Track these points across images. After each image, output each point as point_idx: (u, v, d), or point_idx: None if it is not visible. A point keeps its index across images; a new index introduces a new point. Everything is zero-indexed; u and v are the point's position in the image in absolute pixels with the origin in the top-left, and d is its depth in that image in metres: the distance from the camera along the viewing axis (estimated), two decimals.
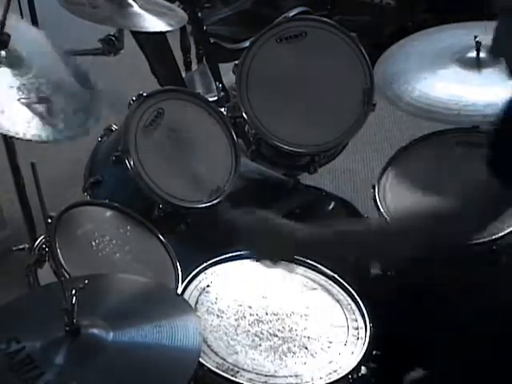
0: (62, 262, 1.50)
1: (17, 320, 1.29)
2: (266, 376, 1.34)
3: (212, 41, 2.87)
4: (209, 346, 1.38)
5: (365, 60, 1.96)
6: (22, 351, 1.20)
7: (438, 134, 1.98)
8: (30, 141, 1.49)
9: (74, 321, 1.19)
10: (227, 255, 1.60)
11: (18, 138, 1.50)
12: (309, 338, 1.43)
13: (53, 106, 1.57)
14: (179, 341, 1.22)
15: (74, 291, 1.19)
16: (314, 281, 1.57)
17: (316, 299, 1.52)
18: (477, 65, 1.92)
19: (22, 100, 1.53)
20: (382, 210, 1.84)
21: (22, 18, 3.43)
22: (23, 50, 1.65)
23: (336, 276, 1.57)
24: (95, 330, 1.21)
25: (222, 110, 1.96)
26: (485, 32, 1.88)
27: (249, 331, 1.43)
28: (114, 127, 1.91)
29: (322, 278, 1.58)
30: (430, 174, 1.91)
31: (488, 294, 1.43)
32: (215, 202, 1.79)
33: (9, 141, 1.81)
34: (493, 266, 1.65)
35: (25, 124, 1.50)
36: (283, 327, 1.44)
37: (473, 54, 1.93)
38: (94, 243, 1.60)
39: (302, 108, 1.97)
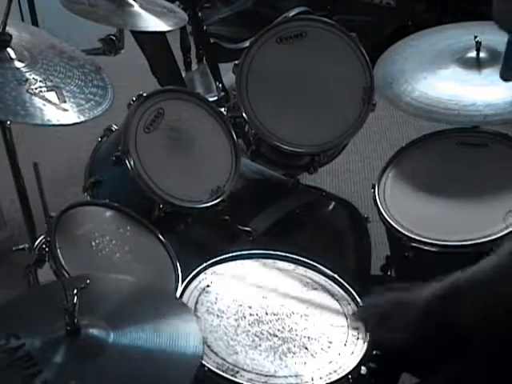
0: (62, 262, 1.50)
1: (17, 317, 1.29)
2: (266, 376, 1.34)
3: (212, 41, 2.87)
4: (209, 346, 1.38)
5: (365, 60, 1.96)
6: (22, 348, 1.20)
7: (438, 134, 1.98)
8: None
9: (75, 321, 1.19)
10: (227, 255, 1.60)
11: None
12: (309, 338, 1.42)
13: (63, 92, 1.60)
14: (179, 343, 1.22)
15: (74, 291, 1.20)
16: (313, 281, 1.57)
17: (316, 299, 1.52)
18: (477, 65, 1.92)
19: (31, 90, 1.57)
20: (381, 210, 1.84)
21: (23, 18, 3.46)
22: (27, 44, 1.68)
23: (336, 276, 1.57)
24: (95, 331, 1.21)
25: (222, 109, 1.96)
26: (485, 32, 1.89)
27: (249, 331, 1.43)
28: (114, 127, 1.91)
29: (322, 277, 1.58)
30: (429, 174, 1.91)
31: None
32: (215, 202, 1.79)
33: (9, 141, 1.81)
34: None
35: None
36: (283, 327, 1.44)
37: (473, 54, 1.93)
38: (93, 243, 1.60)
39: (302, 108, 1.97)
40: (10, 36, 1.63)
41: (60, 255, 1.51)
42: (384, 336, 1.41)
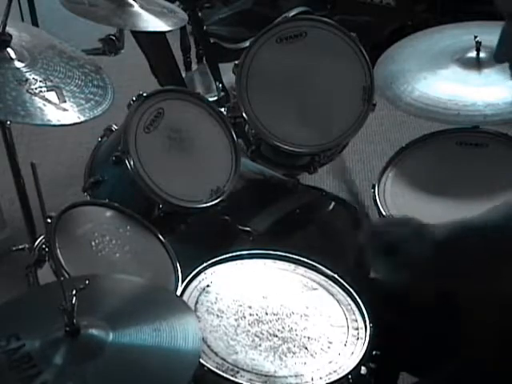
0: (62, 262, 1.50)
1: (17, 317, 1.29)
2: (265, 376, 1.34)
3: (212, 41, 2.87)
4: (209, 346, 1.38)
5: (365, 60, 1.96)
6: (22, 349, 1.19)
7: (438, 134, 1.98)
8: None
9: (74, 321, 1.19)
10: (227, 255, 1.60)
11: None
12: (309, 338, 1.42)
13: (63, 92, 1.60)
14: (178, 344, 1.22)
15: (73, 291, 1.19)
16: (314, 281, 1.57)
17: (316, 299, 1.52)
18: (477, 65, 1.92)
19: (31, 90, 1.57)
20: (381, 210, 1.84)
21: (23, 18, 3.46)
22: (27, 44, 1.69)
23: (336, 276, 1.57)
24: (95, 331, 1.21)
25: (222, 109, 1.96)
26: (485, 32, 1.89)
27: (249, 331, 1.43)
28: (114, 127, 1.91)
29: (322, 278, 1.58)
30: (430, 173, 1.91)
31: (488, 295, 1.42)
32: (215, 202, 1.79)
33: (9, 141, 1.81)
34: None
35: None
36: (283, 327, 1.44)
37: (473, 54, 1.93)
38: (93, 243, 1.60)
39: (302, 108, 1.97)
40: (10, 36, 1.63)
41: (60, 255, 1.51)
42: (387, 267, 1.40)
